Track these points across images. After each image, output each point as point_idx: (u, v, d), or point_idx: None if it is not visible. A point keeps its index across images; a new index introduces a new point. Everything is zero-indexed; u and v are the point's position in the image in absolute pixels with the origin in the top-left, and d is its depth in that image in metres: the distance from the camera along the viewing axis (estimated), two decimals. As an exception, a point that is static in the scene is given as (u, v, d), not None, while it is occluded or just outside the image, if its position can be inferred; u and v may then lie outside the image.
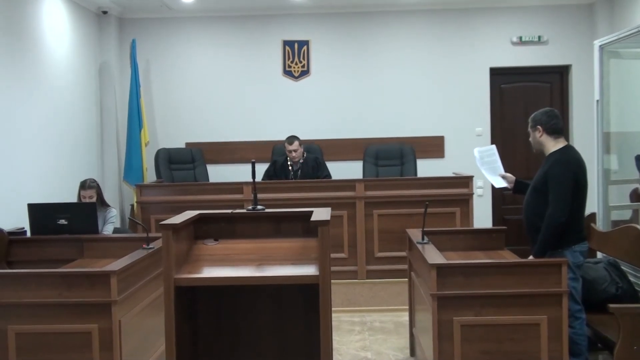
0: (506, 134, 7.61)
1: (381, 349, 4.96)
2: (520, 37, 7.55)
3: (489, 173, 4.57)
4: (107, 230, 5.37)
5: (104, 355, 3.45)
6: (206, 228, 3.49)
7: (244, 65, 7.67)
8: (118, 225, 6.18)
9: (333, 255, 5.50)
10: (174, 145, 7.53)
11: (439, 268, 3.54)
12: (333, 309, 3.74)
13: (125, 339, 3.54)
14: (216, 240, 3.44)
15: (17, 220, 5.07)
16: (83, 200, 5.32)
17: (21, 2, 5.68)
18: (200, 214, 3.47)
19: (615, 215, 5.69)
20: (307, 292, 3.35)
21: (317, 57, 7.66)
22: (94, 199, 5.31)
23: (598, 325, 4.13)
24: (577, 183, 3.98)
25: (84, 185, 5.39)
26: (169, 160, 7.26)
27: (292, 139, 6.62)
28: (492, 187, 4.97)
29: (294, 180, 6.56)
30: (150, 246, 4.15)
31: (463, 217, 6.13)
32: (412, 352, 4.72)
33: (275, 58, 7.67)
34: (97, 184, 5.47)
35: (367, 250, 6.19)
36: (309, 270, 3.14)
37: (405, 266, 4.83)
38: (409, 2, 7.39)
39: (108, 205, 5.51)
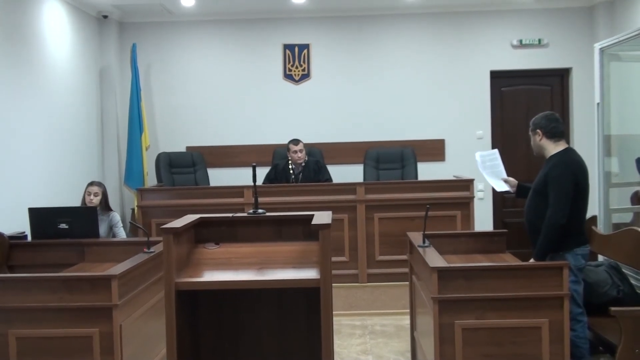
0: (507, 137, 7.62)
1: (382, 353, 4.95)
2: (521, 40, 7.56)
3: (491, 177, 4.57)
4: (122, 235, 5.41)
5: (104, 359, 3.45)
6: (207, 232, 3.49)
7: (244, 69, 7.68)
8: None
9: (334, 259, 5.51)
10: (175, 149, 7.54)
11: (440, 271, 3.54)
12: (334, 312, 3.74)
13: (126, 343, 3.54)
14: (217, 244, 3.44)
15: (18, 224, 5.07)
16: (87, 197, 5.36)
17: (22, 7, 5.69)
18: (201, 217, 3.47)
19: (616, 218, 5.69)
20: (308, 295, 3.35)
21: (318, 61, 7.67)
22: (99, 197, 5.35)
23: (599, 328, 4.13)
24: (577, 185, 3.98)
25: (92, 183, 5.47)
26: (169, 164, 7.27)
27: (297, 140, 6.67)
28: (493, 190, 4.98)
29: (295, 183, 6.57)
30: (151, 250, 4.16)
31: (464, 220, 6.12)
32: (414, 355, 4.71)
33: (275, 62, 7.68)
34: (104, 187, 5.52)
35: (368, 253, 6.19)
36: (310, 273, 3.14)
37: (406, 269, 4.83)
38: (409, 5, 7.40)
39: (111, 210, 5.53)
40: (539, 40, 7.55)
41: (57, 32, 6.33)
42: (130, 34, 7.61)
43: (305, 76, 7.69)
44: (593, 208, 5.11)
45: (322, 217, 3.28)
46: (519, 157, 7.28)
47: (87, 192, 5.40)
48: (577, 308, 3.94)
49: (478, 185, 6.94)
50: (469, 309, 3.51)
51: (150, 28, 7.66)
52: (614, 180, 5.74)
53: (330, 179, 6.71)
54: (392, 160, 7.16)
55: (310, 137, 7.24)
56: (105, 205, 5.44)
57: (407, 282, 4.84)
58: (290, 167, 6.70)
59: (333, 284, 3.32)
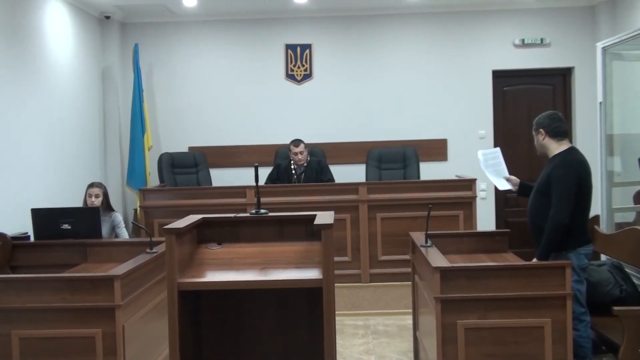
0: (509, 136, 7.61)
1: (385, 353, 4.95)
2: (523, 40, 7.55)
3: (493, 175, 4.57)
4: (124, 236, 5.42)
5: (107, 359, 3.45)
6: (209, 232, 3.49)
7: (246, 69, 7.68)
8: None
9: (336, 259, 5.48)
10: (177, 149, 7.54)
11: (443, 271, 3.53)
12: (337, 312, 3.74)
13: (128, 343, 3.54)
14: (219, 244, 3.44)
15: (21, 225, 5.08)
16: (89, 199, 5.35)
17: (24, 8, 5.70)
18: (203, 218, 3.48)
19: (619, 218, 5.67)
20: (310, 295, 3.35)
21: (320, 61, 7.67)
22: (100, 198, 5.34)
23: (602, 328, 4.12)
24: (580, 185, 3.97)
25: (92, 184, 5.45)
26: (172, 164, 7.27)
27: (297, 141, 6.64)
28: (496, 189, 4.97)
29: (297, 183, 6.57)
30: (153, 250, 4.16)
31: (466, 220, 6.12)
32: (416, 355, 4.70)
33: (277, 62, 7.68)
34: (105, 187, 5.51)
35: (371, 253, 6.19)
36: (313, 273, 3.14)
37: (408, 269, 4.82)
38: (411, 5, 7.40)
39: (113, 210, 5.53)
40: (541, 40, 7.54)
41: (59, 32, 6.34)
42: (132, 35, 7.62)
43: (307, 76, 7.69)
44: (596, 207, 5.10)
45: (324, 217, 3.28)
46: (521, 157, 7.26)
47: (87, 194, 5.39)
48: (580, 307, 3.93)
49: (480, 185, 6.93)
50: (472, 308, 3.50)
51: (153, 28, 7.66)
52: (616, 179, 5.73)
53: (332, 179, 6.71)
54: (394, 160, 7.15)
55: (312, 137, 7.23)
56: (107, 205, 5.44)
57: (410, 282, 4.84)
58: (292, 167, 6.70)
59: (335, 284, 3.32)
